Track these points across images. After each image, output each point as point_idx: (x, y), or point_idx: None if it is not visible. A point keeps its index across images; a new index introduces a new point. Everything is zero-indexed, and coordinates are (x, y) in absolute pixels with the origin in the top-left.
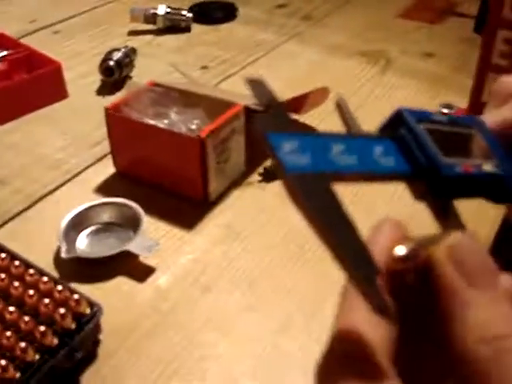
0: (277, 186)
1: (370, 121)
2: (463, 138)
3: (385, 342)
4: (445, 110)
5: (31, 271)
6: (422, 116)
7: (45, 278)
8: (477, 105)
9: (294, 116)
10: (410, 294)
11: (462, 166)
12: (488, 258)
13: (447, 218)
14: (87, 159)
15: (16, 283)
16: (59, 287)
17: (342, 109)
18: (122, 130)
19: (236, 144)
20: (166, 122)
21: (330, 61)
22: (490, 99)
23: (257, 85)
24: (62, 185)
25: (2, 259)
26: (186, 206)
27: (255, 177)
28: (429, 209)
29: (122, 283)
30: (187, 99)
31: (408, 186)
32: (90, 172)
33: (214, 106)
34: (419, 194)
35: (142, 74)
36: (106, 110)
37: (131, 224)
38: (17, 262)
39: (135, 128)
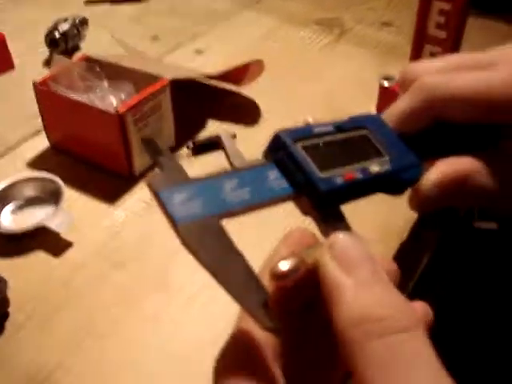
0: (204, 160)
1: (317, 92)
2: (350, 143)
3: (274, 345)
4: (385, 82)
5: None
6: (302, 134)
7: None
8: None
9: (235, 87)
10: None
11: (343, 175)
12: (364, 248)
13: (334, 225)
14: (24, 133)
15: None
16: None
17: (223, 143)
18: (50, 105)
19: (162, 118)
20: (94, 95)
21: (284, 30)
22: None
23: (149, 143)
24: None
25: None
26: (112, 180)
27: (184, 150)
28: (314, 221)
29: (38, 258)
30: (118, 73)
31: (295, 203)
32: (25, 146)
33: (142, 80)
34: (305, 209)
35: (91, 45)
36: (35, 85)
37: (54, 198)
38: None
39: (62, 103)
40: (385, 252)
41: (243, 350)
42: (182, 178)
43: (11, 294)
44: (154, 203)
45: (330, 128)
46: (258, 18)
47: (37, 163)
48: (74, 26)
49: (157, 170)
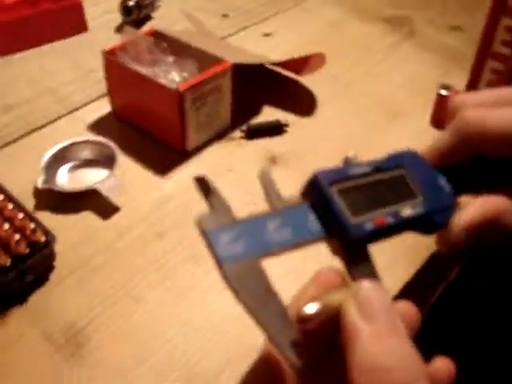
0: (256, 144)
1: (373, 92)
2: (385, 184)
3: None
4: (442, 91)
5: (1, 196)
6: (338, 175)
7: (10, 205)
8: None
9: (295, 76)
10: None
11: (373, 220)
12: (385, 298)
13: (361, 269)
14: (90, 95)
15: None
16: (20, 215)
17: (264, 181)
18: (116, 74)
19: (220, 99)
20: (159, 69)
21: (351, 23)
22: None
23: (202, 181)
24: (60, 117)
25: None
26: (166, 153)
27: (238, 133)
28: (343, 263)
29: (86, 218)
30: (183, 50)
31: (327, 243)
32: (88, 108)
33: (206, 60)
34: (336, 250)
35: (163, 17)
36: (104, 53)
37: (109, 163)
38: None
39: (127, 74)
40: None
41: (270, 372)
42: (229, 218)
43: (58, 248)
44: None
45: (368, 169)
46: (328, 7)
47: (96, 127)
48: None
49: (206, 208)
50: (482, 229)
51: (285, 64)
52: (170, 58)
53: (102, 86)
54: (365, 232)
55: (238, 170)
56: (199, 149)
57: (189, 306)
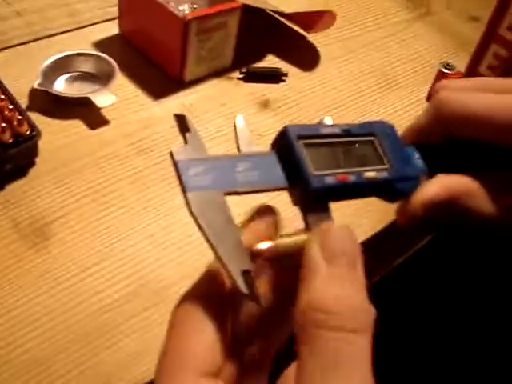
0: (252, 87)
1: (377, 59)
2: (353, 147)
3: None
4: (443, 69)
5: None
6: (308, 132)
7: (2, 96)
8: (473, 74)
9: (303, 32)
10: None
11: (335, 176)
12: (352, 244)
13: (319, 220)
14: (102, 16)
15: None
16: (10, 106)
17: (239, 129)
18: None
19: (225, 38)
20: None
21: None
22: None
23: (181, 118)
24: (68, 31)
25: None
26: (163, 79)
27: (236, 74)
28: (301, 213)
29: (74, 125)
30: None
31: (288, 193)
32: (97, 27)
33: None
34: (296, 201)
35: None
36: None
37: (106, 79)
38: None
39: None
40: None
41: (210, 286)
42: (201, 155)
43: (42, 147)
44: (191, 111)
45: (338, 130)
46: None
47: (102, 45)
48: None
49: (182, 142)
50: (439, 206)
51: (295, 17)
52: None
53: (115, 10)
54: (325, 184)
55: (230, 106)
56: (196, 81)
57: (155, 220)
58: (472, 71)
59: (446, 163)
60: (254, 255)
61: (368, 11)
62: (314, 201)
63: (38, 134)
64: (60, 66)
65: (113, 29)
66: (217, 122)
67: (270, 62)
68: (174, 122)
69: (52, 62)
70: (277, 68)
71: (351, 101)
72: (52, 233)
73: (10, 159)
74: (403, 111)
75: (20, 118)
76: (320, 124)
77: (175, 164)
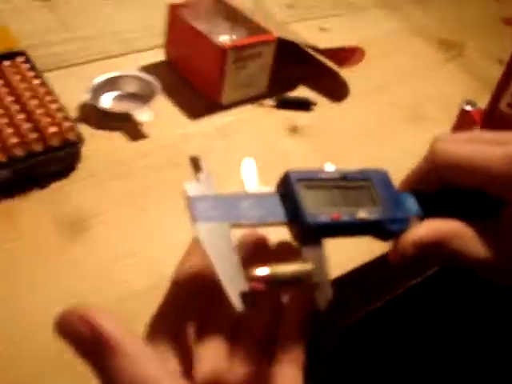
0: (283, 114)
1: (404, 96)
2: (349, 190)
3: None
4: (467, 107)
5: (51, 97)
6: (307, 176)
7: (55, 106)
8: (493, 111)
9: (335, 68)
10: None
11: (330, 214)
12: None
13: (311, 253)
14: (149, 44)
15: (29, 92)
16: (60, 115)
17: (247, 169)
18: (175, 26)
19: (260, 67)
20: (212, 29)
21: (404, 36)
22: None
23: (196, 160)
24: (118, 56)
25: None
26: (201, 102)
27: (269, 101)
28: (299, 247)
29: (117, 137)
30: (237, 18)
31: (288, 229)
32: (146, 54)
33: (255, 30)
34: (295, 236)
35: None
36: (168, 7)
37: (149, 99)
38: (40, 82)
39: (184, 27)
40: None
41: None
42: (210, 192)
43: (85, 154)
44: (223, 132)
45: (336, 175)
46: (389, 21)
47: (148, 70)
48: None
49: (195, 180)
50: (428, 247)
51: (328, 53)
52: (225, 23)
53: (162, 40)
54: (319, 221)
55: (261, 129)
56: (232, 106)
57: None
58: (493, 108)
59: (439, 208)
60: (252, 279)
61: (401, 51)
62: (309, 236)
63: (82, 141)
64: (108, 85)
65: (159, 56)
66: (247, 143)
67: (301, 92)
68: (206, 140)
69: (101, 80)
70: (307, 98)
71: (375, 132)
72: (88, 228)
73: (56, 161)
74: (425, 143)
75: (68, 125)
76: (320, 170)
77: (187, 199)
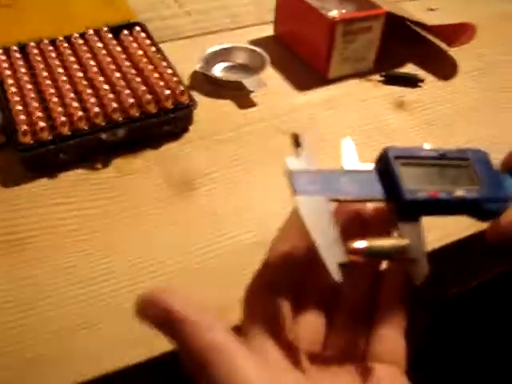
0: (390, 89)
1: None
2: (448, 168)
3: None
4: None
5: (166, 63)
6: (406, 153)
7: (169, 70)
8: None
9: (445, 46)
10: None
11: (427, 192)
12: None
13: (408, 230)
14: (259, 18)
15: (146, 59)
16: (175, 79)
17: (347, 148)
18: (286, 1)
19: (369, 41)
20: (323, 5)
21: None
22: None
23: (298, 137)
24: (228, 29)
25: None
26: (310, 75)
27: (377, 76)
28: (397, 224)
29: (227, 105)
30: None
31: (386, 206)
32: (255, 29)
33: (365, 6)
34: (391, 211)
35: None
36: None
37: (259, 70)
38: (156, 51)
39: (294, 1)
40: None
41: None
42: (311, 167)
43: (196, 118)
44: (329, 103)
45: (434, 153)
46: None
47: (257, 43)
48: None
49: (296, 155)
50: None
51: (437, 30)
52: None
53: (271, 15)
54: (416, 198)
55: (367, 103)
56: (339, 79)
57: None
58: None
59: None
60: (350, 252)
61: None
62: (407, 212)
63: (195, 105)
64: (219, 56)
65: (268, 31)
66: (353, 115)
67: (409, 69)
68: (312, 111)
69: (213, 51)
70: (415, 74)
71: (482, 112)
72: (197, 186)
73: (168, 122)
74: None
75: (182, 89)
76: (419, 148)
77: (288, 173)
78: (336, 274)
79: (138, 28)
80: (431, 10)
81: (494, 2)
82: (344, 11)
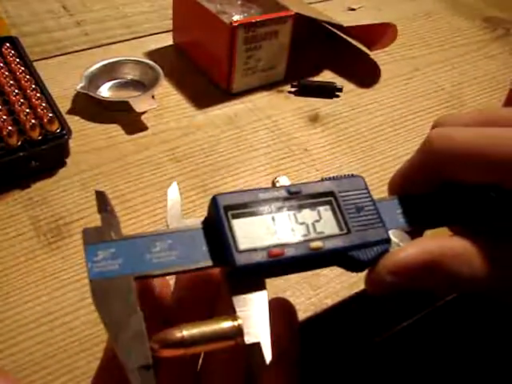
0: (304, 101)
1: (445, 79)
2: (299, 212)
3: None
4: None
5: (33, 85)
6: (241, 199)
7: (38, 94)
8: None
9: (364, 49)
10: None
11: (268, 250)
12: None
13: (242, 303)
14: (157, 27)
15: (12, 82)
16: (43, 104)
17: (171, 197)
18: (181, 5)
19: (276, 48)
20: (223, 9)
21: (444, 15)
22: None
23: (101, 195)
24: (123, 41)
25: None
26: (209, 89)
27: (288, 87)
28: (226, 293)
29: (112, 129)
30: None
31: (216, 267)
32: (153, 38)
33: (272, 8)
34: (224, 280)
35: None
36: None
37: (152, 86)
38: (25, 71)
39: (191, 6)
40: None
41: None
42: (115, 235)
43: (75, 149)
44: (234, 122)
45: (283, 193)
46: None
47: (153, 55)
48: None
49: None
50: (417, 272)
51: (355, 31)
52: (238, 1)
53: (169, 23)
54: (253, 261)
55: (276, 118)
56: (245, 93)
57: None
58: None
59: (436, 215)
60: (162, 346)
61: (439, 30)
62: (241, 280)
63: (69, 133)
64: (106, 72)
65: (167, 40)
66: (260, 133)
67: (326, 76)
68: (215, 131)
69: (97, 67)
70: (331, 82)
71: (408, 120)
72: (69, 234)
73: (37, 156)
74: None
75: (50, 116)
76: (262, 188)
77: (84, 247)
78: (135, 381)
79: (7, 44)
80: (352, 9)
81: (413, 2)
82: (246, 15)
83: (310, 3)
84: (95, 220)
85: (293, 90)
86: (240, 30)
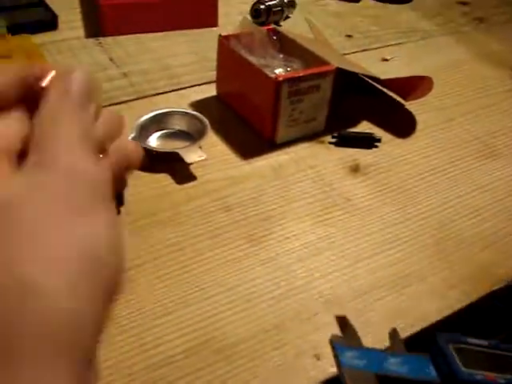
0: (344, 152)
1: (476, 133)
2: (500, 358)
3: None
4: None
5: None
6: (456, 339)
7: None
8: None
9: (399, 99)
10: None
11: (484, 375)
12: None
13: None
14: (200, 79)
15: None
16: None
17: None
18: (226, 58)
19: (318, 101)
20: (266, 62)
21: (473, 64)
22: None
23: (343, 319)
24: (168, 92)
25: None
26: (254, 140)
27: (329, 138)
28: None
29: (162, 179)
30: (293, 49)
31: None
32: (196, 89)
33: (313, 62)
34: None
35: (289, 26)
36: (219, 37)
37: (199, 137)
38: None
39: (235, 59)
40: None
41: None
42: (356, 344)
43: (128, 197)
44: (279, 173)
45: (485, 343)
46: (455, 47)
47: (198, 106)
48: (281, 3)
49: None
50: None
51: (392, 84)
52: (280, 55)
53: (213, 74)
54: (474, 379)
55: (318, 169)
56: (288, 144)
57: (231, 276)
58: None
59: None
60: None
61: (469, 81)
62: None
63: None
64: (155, 123)
65: (210, 91)
66: (304, 183)
67: (364, 127)
68: (261, 181)
69: (147, 118)
70: (370, 133)
71: (446, 169)
72: (127, 280)
73: None
74: (503, 181)
75: None
76: (467, 336)
77: (333, 348)
78: None
79: None
80: (385, 59)
81: (446, 48)
82: (289, 69)
83: (345, 54)
84: (151, 267)
85: (334, 140)
86: (285, 85)
